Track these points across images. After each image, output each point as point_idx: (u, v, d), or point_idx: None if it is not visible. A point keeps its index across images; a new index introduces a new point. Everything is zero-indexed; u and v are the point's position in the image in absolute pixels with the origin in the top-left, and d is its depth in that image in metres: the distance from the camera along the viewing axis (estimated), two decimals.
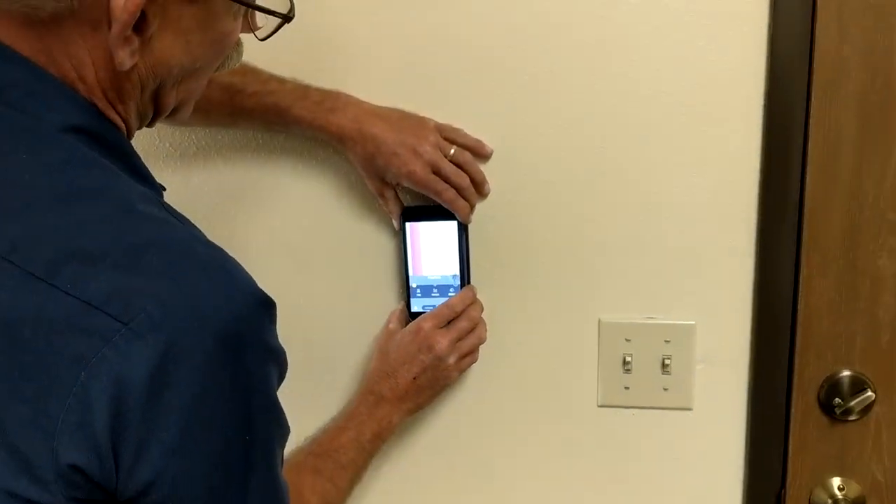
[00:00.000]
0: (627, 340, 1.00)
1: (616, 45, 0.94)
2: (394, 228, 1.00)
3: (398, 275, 1.03)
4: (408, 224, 0.99)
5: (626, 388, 1.01)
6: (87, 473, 0.53)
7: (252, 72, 0.94)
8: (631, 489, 1.03)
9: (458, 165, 0.96)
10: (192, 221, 0.62)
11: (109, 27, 0.58)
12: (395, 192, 0.98)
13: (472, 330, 0.98)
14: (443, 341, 0.95)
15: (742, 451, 1.01)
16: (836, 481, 1.00)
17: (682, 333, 0.99)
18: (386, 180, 0.96)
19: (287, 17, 0.70)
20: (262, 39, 0.72)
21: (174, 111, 0.69)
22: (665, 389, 1.00)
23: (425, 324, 0.96)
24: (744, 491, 1.02)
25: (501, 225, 1.00)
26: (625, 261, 0.98)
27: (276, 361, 0.60)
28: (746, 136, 0.94)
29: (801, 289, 0.96)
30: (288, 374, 1.01)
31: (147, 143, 1.01)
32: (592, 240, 0.99)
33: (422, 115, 0.97)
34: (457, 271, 0.99)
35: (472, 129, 0.98)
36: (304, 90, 0.95)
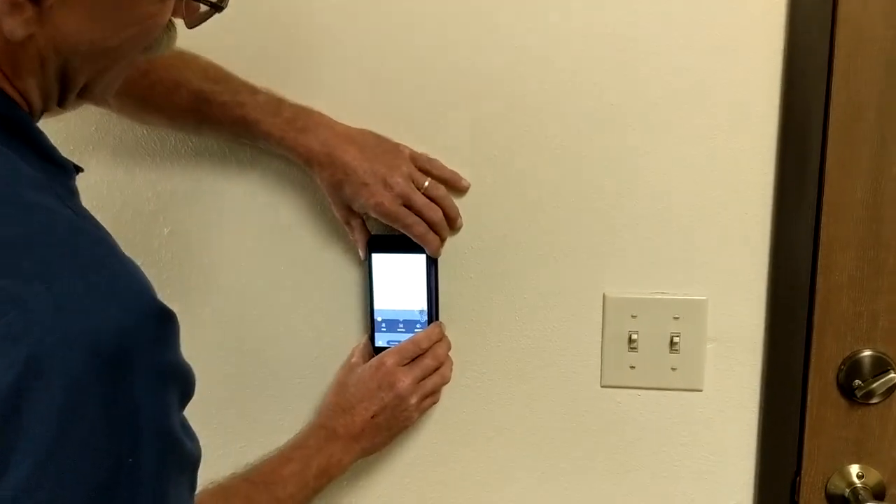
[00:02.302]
0: (633, 317, 0.94)
1: None
2: (360, 257, 0.95)
3: (363, 307, 0.97)
4: (374, 255, 0.94)
5: (632, 367, 0.95)
6: None
7: (225, 79, 0.89)
8: (635, 476, 0.97)
9: (432, 199, 0.90)
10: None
11: None
12: (363, 221, 0.93)
13: (436, 369, 0.93)
14: (405, 379, 0.90)
15: (754, 436, 0.95)
16: (854, 468, 0.94)
17: (692, 309, 0.93)
18: (353, 209, 0.91)
19: (217, 6, 0.65)
20: (190, 27, 0.66)
21: (87, 92, 0.63)
22: (673, 369, 0.94)
23: (388, 359, 0.91)
24: (756, 478, 0.96)
25: (495, 197, 0.93)
26: (631, 231, 0.92)
27: (175, 382, 0.53)
28: (764, 97, 0.88)
29: (819, 262, 0.90)
30: (241, 403, 0.95)
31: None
32: (596, 208, 0.92)
33: (396, 140, 0.92)
34: (424, 306, 0.94)
35: (448, 134, 0.93)
36: (276, 104, 0.89)
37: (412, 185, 0.89)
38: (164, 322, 0.53)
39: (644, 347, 0.94)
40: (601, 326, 0.95)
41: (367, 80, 0.93)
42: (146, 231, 0.99)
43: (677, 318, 0.93)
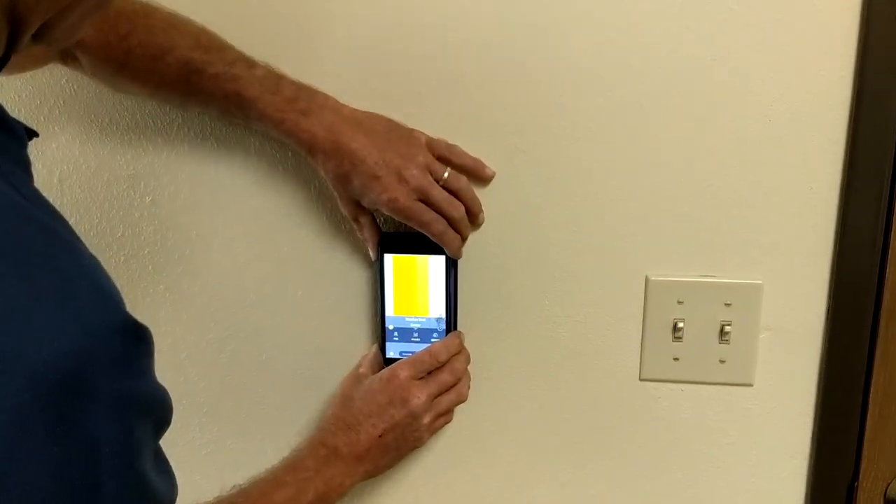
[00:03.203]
0: (679, 303, 0.83)
1: None
2: (370, 257, 0.84)
3: (372, 313, 0.86)
4: (386, 256, 0.83)
5: (676, 359, 0.85)
6: None
7: (219, 48, 0.76)
8: (674, 479, 0.87)
9: (452, 192, 0.79)
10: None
11: None
12: (373, 218, 0.82)
13: (453, 385, 0.82)
14: (420, 395, 0.79)
15: (809, 437, 0.85)
16: None
17: (746, 295, 0.82)
18: (362, 204, 0.79)
19: None
20: None
21: (45, 36, 0.50)
22: (722, 362, 0.84)
23: (402, 372, 0.80)
24: (808, 482, 0.86)
25: (520, 170, 0.82)
26: (678, 207, 0.82)
27: (145, 412, 0.43)
28: (835, 58, 0.77)
29: (891, 245, 0.79)
30: (231, 414, 0.82)
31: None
32: (640, 181, 0.81)
33: (410, 125, 0.80)
34: (442, 314, 0.83)
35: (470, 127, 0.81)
36: (275, 81, 0.76)
37: (429, 178, 0.78)
38: (133, 341, 0.42)
39: (690, 337, 0.84)
40: (642, 313, 0.84)
41: (369, 57, 0.81)
42: (125, 199, 0.87)
43: (729, 305, 0.83)
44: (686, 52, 0.78)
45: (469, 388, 0.85)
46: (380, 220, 0.83)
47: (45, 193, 0.44)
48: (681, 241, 0.82)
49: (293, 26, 0.82)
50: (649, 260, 0.83)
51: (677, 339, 0.84)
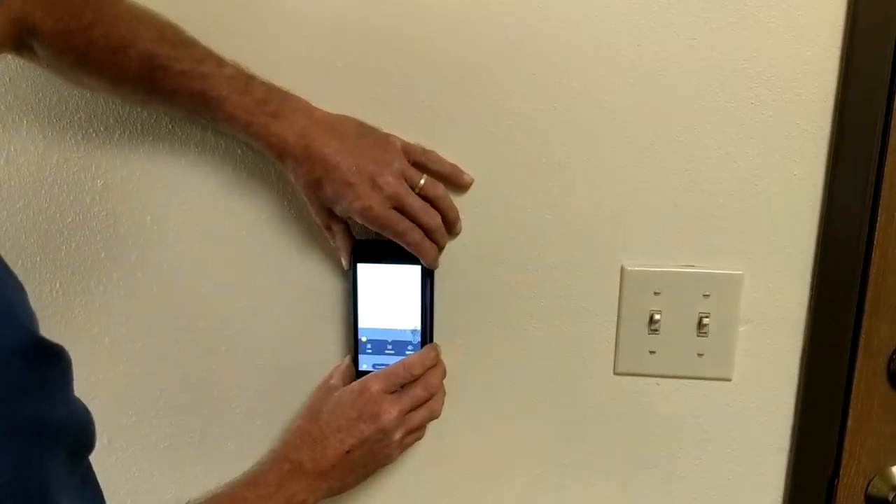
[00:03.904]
0: (656, 294, 0.80)
1: None
2: (342, 266, 0.80)
3: (345, 324, 0.83)
4: (360, 265, 0.79)
5: (652, 352, 0.81)
6: None
7: (185, 44, 0.72)
8: (649, 475, 0.85)
9: (428, 199, 0.75)
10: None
11: None
12: (346, 226, 0.78)
13: (426, 400, 0.79)
14: (392, 410, 0.75)
15: (789, 432, 0.83)
16: None
17: (726, 286, 0.79)
18: (335, 212, 0.75)
19: None
20: None
21: None
22: (699, 355, 0.81)
23: (373, 385, 0.76)
24: (788, 478, 0.84)
25: (491, 151, 0.78)
26: (656, 194, 0.78)
27: (51, 439, 0.40)
28: (821, 38, 0.73)
29: (877, 234, 0.76)
30: (194, 415, 0.78)
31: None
32: (614, 166, 0.78)
33: (385, 130, 0.77)
34: (417, 325, 0.80)
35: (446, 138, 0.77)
36: (245, 81, 0.72)
37: (405, 185, 0.74)
38: (39, 363, 0.38)
39: (667, 329, 0.80)
40: (617, 304, 0.81)
41: (338, 56, 0.77)
42: (75, 182, 0.83)
43: (707, 296, 0.79)
44: (665, 32, 0.74)
45: (443, 403, 0.82)
46: (353, 227, 0.79)
47: None
48: (658, 229, 0.79)
49: (257, 22, 0.77)
50: (625, 249, 0.80)
51: (654, 331, 0.81)
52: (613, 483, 0.85)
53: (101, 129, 0.81)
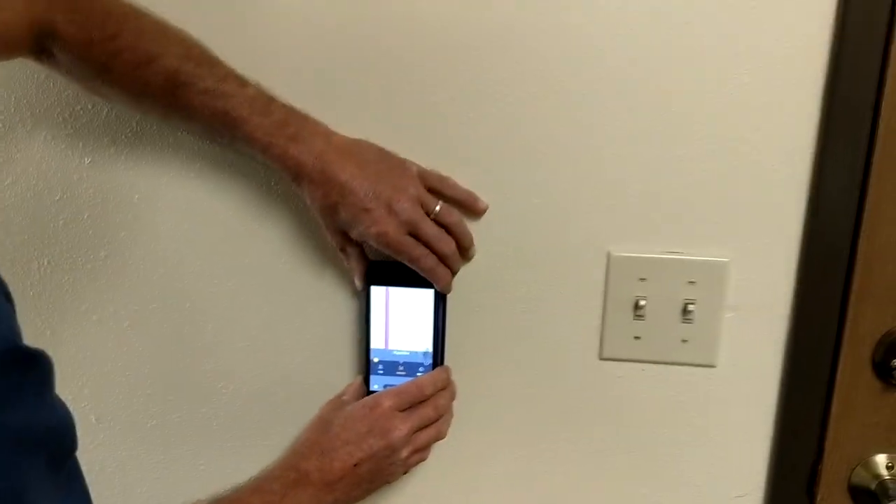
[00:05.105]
0: (642, 280, 0.80)
1: None
2: (355, 286, 0.81)
3: (357, 344, 0.83)
4: (373, 287, 0.79)
5: (637, 338, 0.81)
6: None
7: (209, 62, 0.72)
8: (633, 459, 0.85)
9: (443, 225, 0.76)
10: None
11: None
12: (361, 249, 0.78)
13: (434, 421, 0.79)
14: (402, 427, 0.76)
15: (772, 418, 0.83)
16: (882, 458, 0.82)
17: (712, 273, 0.79)
18: (350, 236, 0.75)
19: None
20: None
21: None
22: (684, 341, 0.81)
23: (385, 401, 0.77)
24: (770, 466, 0.84)
25: (479, 133, 0.78)
26: (643, 180, 0.78)
27: (30, 446, 0.40)
28: (812, 21, 0.72)
29: (864, 222, 0.76)
30: (182, 394, 0.81)
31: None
32: (602, 153, 0.77)
33: (401, 154, 0.77)
34: (430, 347, 0.80)
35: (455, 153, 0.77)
36: (266, 102, 0.72)
37: (421, 211, 0.75)
38: (15, 370, 0.39)
39: (652, 315, 0.80)
40: (603, 290, 0.81)
41: (357, 82, 0.76)
42: (62, 159, 0.83)
43: (693, 283, 0.79)
44: (654, 18, 0.74)
45: (449, 425, 0.82)
46: (367, 248, 0.79)
47: None
48: (644, 215, 0.79)
49: (250, 27, 0.77)
50: (611, 235, 0.79)
51: (639, 317, 0.81)
52: (598, 467, 0.85)
53: (89, 107, 0.81)
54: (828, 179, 0.76)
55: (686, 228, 0.79)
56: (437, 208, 0.76)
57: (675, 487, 0.85)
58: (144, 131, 0.81)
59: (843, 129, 0.74)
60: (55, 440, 0.43)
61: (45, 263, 0.85)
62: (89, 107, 0.81)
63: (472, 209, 0.79)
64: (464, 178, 0.79)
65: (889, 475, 0.82)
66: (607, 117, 0.76)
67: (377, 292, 0.80)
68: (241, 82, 0.72)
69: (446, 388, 0.81)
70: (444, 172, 0.79)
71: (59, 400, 0.45)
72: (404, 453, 0.77)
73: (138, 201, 0.83)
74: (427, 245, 0.76)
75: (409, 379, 0.80)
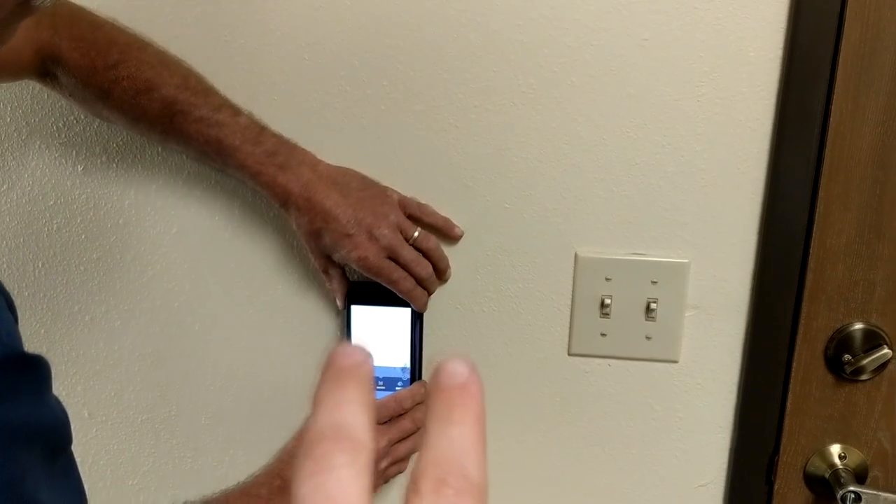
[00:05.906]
0: (607, 280, 0.84)
1: None
2: (337, 306, 0.85)
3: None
4: (353, 307, 0.84)
5: (603, 334, 0.86)
6: None
7: (205, 92, 0.76)
8: (600, 451, 0.89)
9: (421, 251, 0.81)
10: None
11: None
12: (342, 271, 0.83)
13: (412, 434, 0.83)
14: (381, 440, 0.79)
15: (732, 411, 0.87)
16: (836, 448, 0.87)
17: (673, 273, 0.83)
18: (332, 259, 0.80)
19: None
20: None
21: None
22: (648, 338, 0.85)
23: None
24: (731, 456, 0.88)
25: (451, 139, 0.82)
26: (608, 185, 0.82)
27: (27, 439, 0.44)
28: (766, 34, 0.77)
29: (816, 224, 0.81)
30: (173, 391, 0.83)
31: None
32: (570, 159, 0.82)
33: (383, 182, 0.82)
34: (407, 363, 0.84)
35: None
36: (257, 132, 0.77)
37: (400, 237, 0.79)
38: (15, 372, 0.42)
39: (617, 313, 0.85)
40: (571, 289, 0.85)
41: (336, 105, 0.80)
42: (56, 166, 0.86)
43: (655, 283, 0.84)
44: (617, 31, 0.78)
45: None
46: (349, 270, 0.83)
47: None
48: (610, 219, 0.83)
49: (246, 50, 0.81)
50: (579, 237, 0.84)
51: (605, 315, 0.85)
52: (566, 459, 0.90)
53: (82, 118, 0.85)
54: (781, 185, 0.80)
55: (649, 231, 0.83)
56: (416, 234, 0.81)
57: (641, 477, 0.90)
58: (135, 141, 0.85)
59: (795, 138, 0.79)
60: (50, 435, 0.47)
61: (40, 266, 0.89)
62: (82, 117, 0.85)
63: (448, 234, 0.84)
64: (438, 186, 0.83)
65: (842, 464, 0.86)
66: (575, 127, 0.81)
67: (358, 311, 0.84)
68: (235, 111, 0.77)
69: (424, 401, 0.85)
70: (418, 184, 0.83)
71: (56, 399, 0.50)
72: (383, 464, 0.80)
73: (129, 207, 0.87)
74: (405, 268, 0.80)
75: (388, 393, 0.84)
